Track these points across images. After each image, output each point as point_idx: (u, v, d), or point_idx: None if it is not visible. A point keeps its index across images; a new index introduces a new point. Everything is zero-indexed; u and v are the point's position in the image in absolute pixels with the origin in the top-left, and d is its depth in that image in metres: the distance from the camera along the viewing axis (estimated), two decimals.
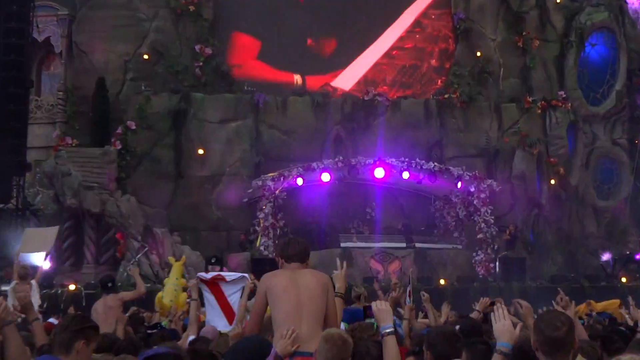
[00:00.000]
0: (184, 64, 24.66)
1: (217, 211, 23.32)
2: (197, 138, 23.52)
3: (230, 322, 9.04)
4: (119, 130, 22.83)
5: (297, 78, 25.84)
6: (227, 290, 9.54)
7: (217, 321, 9.20)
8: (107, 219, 21.24)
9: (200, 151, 23.38)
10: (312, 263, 20.66)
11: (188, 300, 9.71)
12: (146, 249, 20.40)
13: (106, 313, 10.42)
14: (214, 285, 9.55)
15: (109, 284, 10.96)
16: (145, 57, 24.44)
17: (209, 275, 9.80)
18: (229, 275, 9.93)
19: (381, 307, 4.68)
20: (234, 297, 9.42)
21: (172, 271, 14.95)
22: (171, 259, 15.42)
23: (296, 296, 5.61)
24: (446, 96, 25.57)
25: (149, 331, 8.62)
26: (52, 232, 16.75)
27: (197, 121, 23.65)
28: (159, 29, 24.56)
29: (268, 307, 5.79)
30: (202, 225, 23.14)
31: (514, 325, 4.25)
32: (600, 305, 14.62)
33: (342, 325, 6.40)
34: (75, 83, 23.82)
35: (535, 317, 4.67)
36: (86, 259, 21.43)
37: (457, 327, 6.10)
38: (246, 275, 9.90)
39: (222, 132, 23.69)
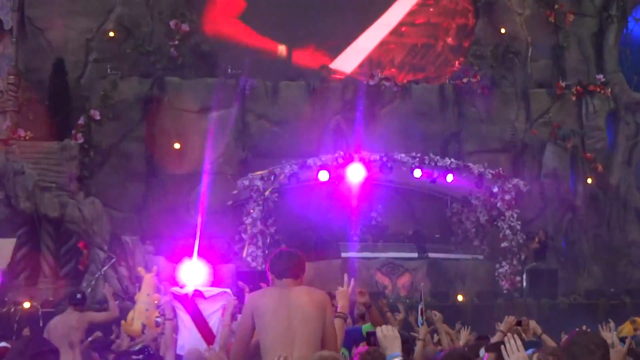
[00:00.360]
0: (156, 42, 24.75)
1: (196, 216, 23.31)
2: (172, 130, 23.59)
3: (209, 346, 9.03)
4: (81, 121, 22.89)
5: (282, 49, 25.91)
6: (205, 308, 9.52)
7: (192, 346, 9.19)
8: (68, 225, 21.27)
9: (177, 145, 23.45)
10: (308, 277, 20.72)
11: (157, 318, 9.77)
12: (113, 260, 20.49)
13: (68, 335, 10.48)
14: (190, 302, 9.52)
15: (78, 296, 11.04)
16: (111, 34, 24.49)
17: (185, 290, 9.73)
18: (208, 290, 9.87)
19: (387, 333, 4.66)
20: (214, 318, 9.38)
21: (143, 286, 14.99)
22: (141, 271, 15.48)
23: (287, 318, 5.71)
24: (465, 80, 25.69)
25: (134, 357, 8.75)
26: (6, 246, 16.70)
27: (172, 110, 23.71)
28: (127, 1, 24.64)
29: (255, 331, 5.89)
30: (179, 232, 23.04)
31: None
32: None
33: (342, 352, 6.51)
34: (28, 65, 23.88)
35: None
36: (43, 272, 21.47)
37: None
38: (228, 290, 9.89)
39: (202, 123, 23.71)
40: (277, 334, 5.65)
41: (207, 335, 9.26)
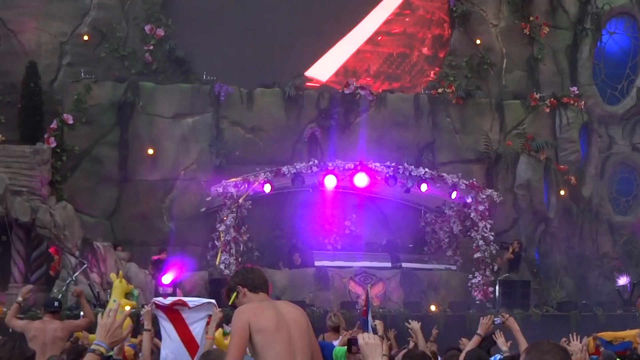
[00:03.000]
0: (131, 47, 24.73)
1: (169, 222, 23.41)
2: (146, 135, 23.57)
3: (193, 357, 9.03)
4: (54, 125, 22.82)
5: None
6: (189, 318, 9.46)
7: (176, 356, 9.19)
8: (39, 230, 21.16)
9: (150, 151, 23.45)
10: (282, 285, 20.99)
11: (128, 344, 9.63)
12: (85, 266, 20.40)
13: (52, 344, 10.38)
14: (174, 312, 9.47)
15: (56, 304, 10.97)
16: (85, 38, 24.48)
17: (168, 300, 9.69)
18: (192, 300, 9.76)
19: (370, 341, 4.48)
20: (198, 327, 9.31)
21: (112, 292, 14.91)
22: (112, 276, 15.39)
23: (288, 334, 5.68)
24: (440, 91, 25.87)
25: None
26: None
27: (146, 115, 23.69)
28: (102, 5, 24.60)
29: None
30: (151, 238, 23.18)
31: None
32: (611, 334, 14.95)
33: None
34: (0, 68, 23.76)
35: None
36: (13, 277, 21.38)
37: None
38: (213, 301, 9.85)
39: (176, 129, 23.76)
40: (282, 350, 5.61)
41: (191, 345, 9.23)
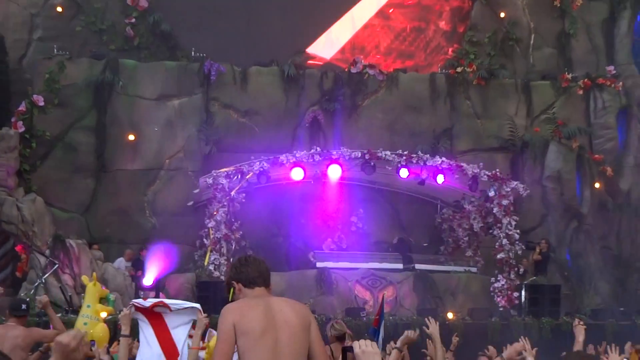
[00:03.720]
0: (110, 20, 24.64)
1: (152, 217, 23.35)
2: (126, 119, 23.52)
3: None
4: (22, 107, 22.72)
5: None
6: (171, 321, 9.40)
7: None
8: (4, 225, 21.06)
9: (131, 137, 23.40)
10: (279, 289, 20.78)
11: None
12: (56, 266, 20.25)
13: (11, 352, 10.16)
14: (155, 316, 9.42)
15: (23, 307, 10.71)
16: (59, 10, 24.39)
17: (148, 302, 9.67)
18: (174, 303, 9.76)
19: (367, 349, 4.51)
20: (180, 333, 9.28)
21: (86, 296, 14.75)
22: (85, 279, 15.25)
23: (274, 339, 5.61)
24: (459, 70, 25.75)
25: None
26: None
27: (127, 97, 23.65)
28: None
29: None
30: (131, 236, 23.14)
31: None
32: None
33: None
34: None
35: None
36: None
37: None
38: (197, 305, 9.78)
39: (161, 112, 23.72)
40: (264, 356, 5.55)
41: (170, 352, 9.19)
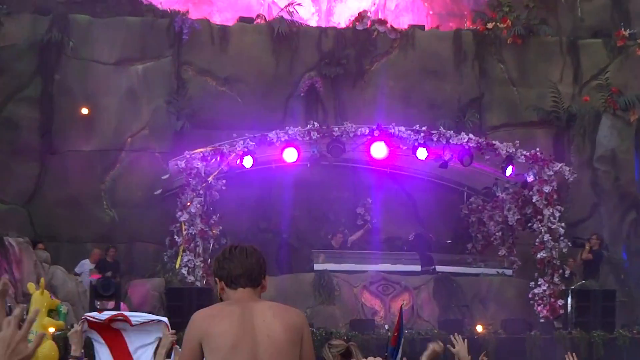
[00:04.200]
0: None
1: (111, 210, 23.30)
2: (79, 89, 23.50)
3: None
4: None
5: None
6: (132, 340, 9.54)
7: None
8: None
9: (85, 111, 23.34)
10: (268, 296, 20.61)
11: None
12: None
13: None
14: (112, 333, 9.54)
15: None
16: None
17: (104, 315, 9.79)
18: (135, 316, 9.90)
19: None
20: (143, 355, 9.39)
21: (31, 307, 14.78)
22: (30, 287, 15.23)
23: (251, 353, 5.52)
24: (490, 26, 25.72)
25: None
26: None
27: (79, 61, 23.63)
28: None
29: None
30: (85, 232, 23.11)
31: None
32: None
33: None
34: None
35: None
36: None
37: None
38: (164, 319, 9.86)
39: (122, 80, 23.72)
40: None
41: None
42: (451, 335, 8.38)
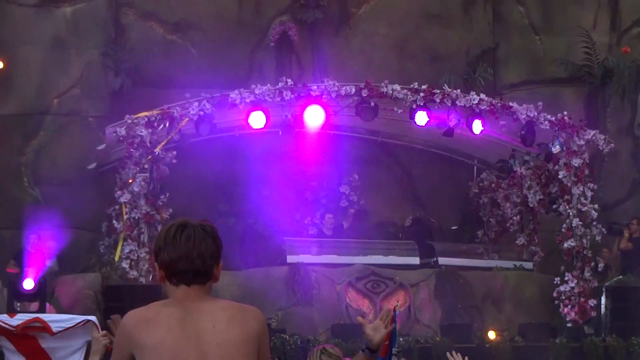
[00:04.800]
0: None
1: (34, 188, 23.42)
2: None
3: None
4: None
5: None
6: (54, 350, 9.47)
7: None
8: None
9: None
10: (229, 294, 21.00)
11: None
12: None
13: None
14: (28, 342, 9.47)
15: None
16: None
17: (16, 320, 9.70)
18: (56, 322, 9.82)
19: None
20: None
21: None
22: None
23: None
24: None
25: None
26: None
27: None
28: None
29: None
30: (1, 216, 23.17)
31: None
32: None
33: None
34: None
35: None
36: None
37: None
38: (92, 318, 9.84)
39: (45, 26, 23.70)
40: None
41: None
42: (448, 353, 8.69)
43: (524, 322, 22.23)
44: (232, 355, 5.48)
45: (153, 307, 5.59)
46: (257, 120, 21.84)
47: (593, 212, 22.86)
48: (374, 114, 22.24)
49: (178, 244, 5.56)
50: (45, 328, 9.37)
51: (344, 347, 18.77)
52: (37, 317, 9.69)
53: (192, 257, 5.56)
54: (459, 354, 9.08)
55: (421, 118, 22.19)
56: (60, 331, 9.38)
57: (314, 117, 22.19)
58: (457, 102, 22.25)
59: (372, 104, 22.04)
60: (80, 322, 9.57)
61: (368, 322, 6.83)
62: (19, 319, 9.60)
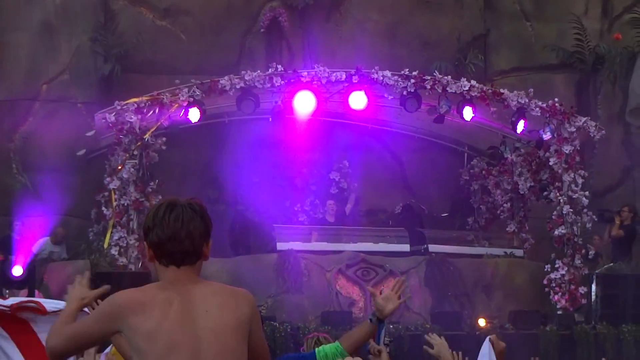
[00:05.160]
0: None
1: (22, 174, 23.37)
2: None
3: None
4: None
5: None
6: (44, 334, 9.32)
7: None
8: None
9: None
10: (221, 280, 20.88)
11: None
12: None
13: None
14: (20, 326, 9.35)
15: None
16: None
17: (9, 301, 9.59)
18: (50, 302, 9.72)
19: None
20: None
21: None
22: None
23: (191, 355, 5.48)
24: None
25: None
26: None
27: None
28: None
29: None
30: None
31: None
32: None
33: None
34: None
35: None
36: None
37: None
38: (86, 310, 9.72)
39: (34, 11, 23.65)
40: None
41: None
42: (425, 335, 8.45)
43: (514, 309, 22.22)
44: (226, 340, 5.51)
45: (148, 290, 5.57)
46: (247, 106, 21.83)
47: (584, 199, 22.88)
48: (364, 101, 22.22)
49: (167, 225, 5.56)
50: (39, 308, 9.19)
51: (333, 334, 18.82)
52: (30, 300, 9.53)
53: (181, 238, 5.56)
54: (434, 334, 8.95)
55: (412, 104, 22.16)
56: (54, 311, 9.20)
57: (304, 103, 22.18)
58: (447, 89, 22.20)
59: (363, 92, 22.02)
60: None
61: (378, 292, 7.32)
62: (12, 300, 9.42)
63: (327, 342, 10.66)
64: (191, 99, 21.51)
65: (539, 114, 22.73)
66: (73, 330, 5.68)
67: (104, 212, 21.93)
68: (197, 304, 5.55)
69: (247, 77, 21.75)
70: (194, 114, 21.68)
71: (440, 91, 22.23)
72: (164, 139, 21.97)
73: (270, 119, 22.92)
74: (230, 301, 5.63)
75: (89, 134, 22.59)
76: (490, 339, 8.56)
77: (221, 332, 5.52)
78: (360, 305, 21.62)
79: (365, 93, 22.07)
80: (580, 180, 22.90)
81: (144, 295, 5.52)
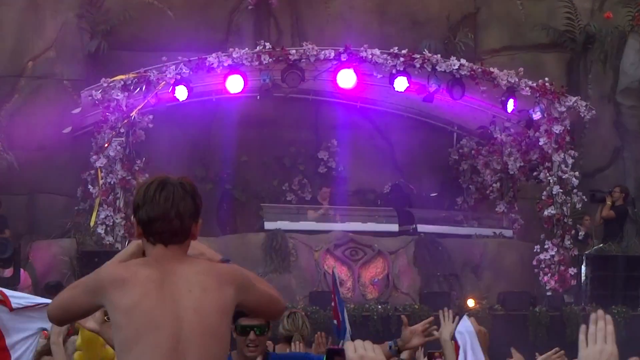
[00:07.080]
0: None
1: (8, 153, 23.10)
2: None
3: None
4: None
5: None
6: (10, 332, 9.17)
7: None
8: None
9: None
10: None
11: None
12: None
13: None
14: None
15: None
16: None
17: None
18: (17, 297, 9.60)
19: (366, 354, 4.54)
20: (24, 351, 9.14)
21: None
22: None
23: (172, 334, 5.45)
24: None
25: None
26: None
27: None
28: None
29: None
30: None
31: None
32: None
33: None
34: None
35: None
36: None
37: None
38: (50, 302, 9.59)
39: None
40: (154, 357, 5.40)
41: None
42: (441, 311, 7.97)
43: (504, 290, 22.29)
44: (208, 321, 5.49)
45: (132, 266, 5.60)
46: (234, 84, 21.84)
47: (574, 179, 22.92)
48: (353, 79, 22.18)
49: (157, 203, 5.57)
50: (4, 302, 9.02)
51: (320, 314, 18.78)
52: None
53: (170, 218, 5.56)
54: (449, 312, 8.75)
55: (401, 83, 22.19)
56: (18, 308, 9.04)
57: (292, 81, 22.10)
58: (437, 68, 22.20)
59: (352, 71, 21.98)
60: (39, 305, 9.21)
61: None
62: None
63: (301, 317, 10.63)
64: (178, 77, 21.43)
65: (529, 94, 22.70)
66: (65, 298, 5.71)
67: (90, 190, 21.88)
68: (181, 284, 5.54)
69: (234, 55, 21.69)
70: (182, 92, 21.59)
71: (429, 70, 22.17)
72: (151, 116, 21.88)
73: (258, 97, 22.88)
74: (214, 282, 5.60)
75: (75, 111, 22.52)
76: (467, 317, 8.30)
77: (204, 312, 5.51)
78: (349, 285, 21.66)
79: (354, 71, 22.08)
80: (570, 161, 22.93)
81: (126, 271, 5.55)
